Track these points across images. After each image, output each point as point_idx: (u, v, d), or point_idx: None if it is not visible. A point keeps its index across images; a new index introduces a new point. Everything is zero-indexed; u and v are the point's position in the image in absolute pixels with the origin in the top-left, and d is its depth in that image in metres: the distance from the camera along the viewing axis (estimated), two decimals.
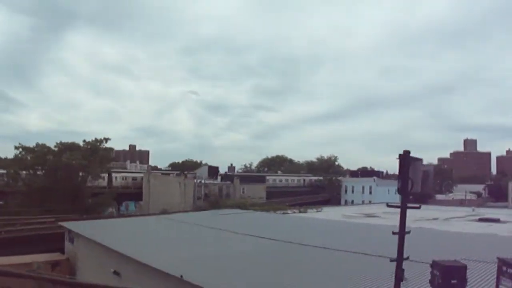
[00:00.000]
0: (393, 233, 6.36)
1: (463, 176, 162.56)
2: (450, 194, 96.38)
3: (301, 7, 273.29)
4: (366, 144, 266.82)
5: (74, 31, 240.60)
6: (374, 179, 76.79)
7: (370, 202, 61.65)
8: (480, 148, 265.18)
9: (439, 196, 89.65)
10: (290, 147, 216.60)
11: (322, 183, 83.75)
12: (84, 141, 43.45)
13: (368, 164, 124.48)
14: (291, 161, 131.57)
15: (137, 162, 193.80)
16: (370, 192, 73.44)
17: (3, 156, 59.61)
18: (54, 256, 23.54)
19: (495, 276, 10.89)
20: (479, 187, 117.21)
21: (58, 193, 39.31)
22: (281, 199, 63.45)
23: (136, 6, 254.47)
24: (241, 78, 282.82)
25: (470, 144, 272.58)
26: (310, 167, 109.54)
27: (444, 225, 30.56)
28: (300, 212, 36.54)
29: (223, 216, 27.83)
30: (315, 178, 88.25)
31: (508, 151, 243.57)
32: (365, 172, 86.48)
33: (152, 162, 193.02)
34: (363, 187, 75.62)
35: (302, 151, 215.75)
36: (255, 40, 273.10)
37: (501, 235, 23.00)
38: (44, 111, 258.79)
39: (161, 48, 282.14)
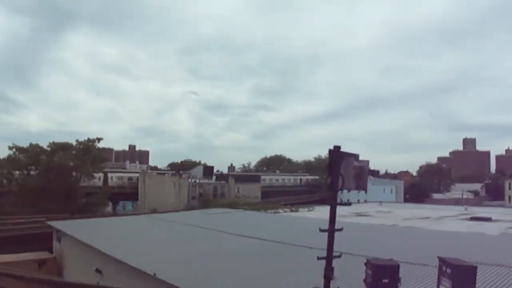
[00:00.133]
0: (321, 230, 6.32)
1: (462, 175, 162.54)
2: (447, 193, 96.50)
3: (301, 7, 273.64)
4: (366, 144, 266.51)
5: (74, 31, 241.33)
6: (369, 178, 76.47)
7: (365, 201, 61.59)
8: (480, 147, 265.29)
9: (436, 195, 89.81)
10: (290, 147, 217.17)
11: (318, 182, 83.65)
12: (76, 141, 43.65)
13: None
14: (289, 160, 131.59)
15: (137, 162, 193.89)
16: (366, 191, 72.77)
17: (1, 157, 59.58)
18: (41, 255, 23.73)
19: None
20: (477, 186, 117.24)
21: (51, 193, 39.38)
22: (276, 198, 63.51)
23: (136, 6, 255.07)
24: (241, 78, 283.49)
25: (469, 143, 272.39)
26: (308, 167, 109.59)
27: (434, 224, 30.57)
28: (291, 211, 36.60)
29: (212, 216, 27.90)
30: (312, 177, 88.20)
31: (507, 150, 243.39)
32: None
33: (152, 162, 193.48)
34: None
35: (302, 151, 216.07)
36: (255, 40, 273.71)
37: (489, 234, 23.02)
38: (44, 111, 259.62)
39: (161, 48, 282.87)
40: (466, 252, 14.86)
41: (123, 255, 15.38)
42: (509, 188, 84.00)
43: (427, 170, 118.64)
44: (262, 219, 28.23)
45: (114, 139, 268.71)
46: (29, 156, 41.57)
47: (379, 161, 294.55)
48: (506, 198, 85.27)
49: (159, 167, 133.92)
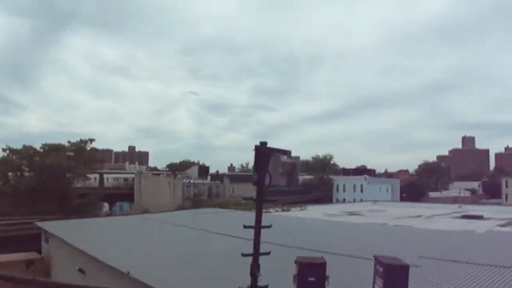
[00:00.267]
0: (245, 226, 6.36)
1: (462, 173, 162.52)
2: (445, 192, 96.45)
3: (301, 7, 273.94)
4: (366, 143, 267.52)
5: (74, 32, 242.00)
6: (365, 177, 76.82)
7: (361, 200, 61.79)
8: (480, 145, 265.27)
9: (433, 194, 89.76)
10: (290, 146, 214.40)
11: (313, 182, 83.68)
12: (69, 142, 43.79)
13: (367, 163, 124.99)
14: None
15: (136, 163, 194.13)
16: (362, 191, 73.55)
17: None
18: (29, 255, 23.98)
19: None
20: (476, 185, 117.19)
21: (44, 194, 39.49)
22: (271, 197, 63.37)
23: (136, 6, 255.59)
24: (241, 78, 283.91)
25: (468, 141, 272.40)
26: (306, 166, 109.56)
27: (425, 222, 30.57)
28: (283, 210, 36.63)
29: (202, 215, 27.99)
30: (309, 177, 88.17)
31: (506, 148, 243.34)
32: (356, 171, 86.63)
33: (151, 163, 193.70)
34: (354, 186, 75.73)
35: (302, 150, 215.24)
36: (255, 40, 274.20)
37: (476, 232, 23.05)
38: (44, 112, 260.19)
39: (161, 48, 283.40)
40: (442, 250, 14.96)
41: (103, 255, 15.49)
42: (506, 186, 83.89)
43: (425, 169, 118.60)
44: (251, 219, 28.28)
45: (114, 140, 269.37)
46: (22, 157, 41.73)
47: (379, 160, 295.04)
48: (503, 196, 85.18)
49: (158, 168, 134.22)
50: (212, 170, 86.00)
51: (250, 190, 54.07)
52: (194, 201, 44.96)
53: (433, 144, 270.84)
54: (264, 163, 5.53)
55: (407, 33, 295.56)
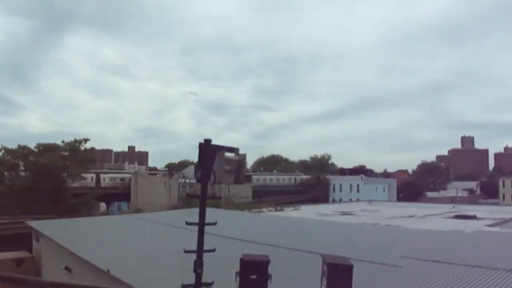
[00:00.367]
0: (187, 223, 6.47)
1: (461, 173, 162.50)
2: (443, 192, 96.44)
3: (301, 7, 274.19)
4: (366, 143, 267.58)
5: (74, 32, 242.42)
6: (361, 177, 76.87)
7: (357, 200, 61.82)
8: (480, 145, 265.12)
9: (430, 194, 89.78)
10: (290, 147, 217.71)
11: (310, 181, 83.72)
12: (62, 141, 43.91)
13: (367, 163, 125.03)
14: (286, 160, 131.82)
15: (136, 163, 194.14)
16: (358, 190, 73.59)
17: None
18: (20, 254, 24.23)
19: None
20: (474, 185, 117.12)
21: (38, 194, 39.62)
22: (268, 198, 63.65)
23: (136, 6, 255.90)
24: (241, 78, 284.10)
25: (467, 141, 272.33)
26: (304, 166, 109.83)
27: (416, 222, 30.63)
28: (276, 210, 36.73)
29: (192, 215, 28.05)
30: (307, 177, 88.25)
31: (506, 148, 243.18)
32: (353, 171, 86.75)
33: (151, 163, 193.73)
34: (350, 185, 75.80)
35: (302, 150, 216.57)
36: (255, 40, 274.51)
37: (465, 232, 23.11)
38: (44, 112, 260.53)
39: (161, 48, 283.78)
40: (426, 250, 15.02)
41: (88, 253, 15.62)
42: (503, 186, 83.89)
43: (423, 169, 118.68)
44: (238, 218, 28.43)
45: (114, 140, 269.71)
46: (16, 157, 41.88)
47: (379, 160, 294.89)
48: (500, 196, 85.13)
49: (158, 168, 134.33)
50: None
51: (246, 190, 54.29)
52: (187, 201, 45.04)
53: (433, 144, 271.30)
54: (209, 161, 5.60)
55: (407, 33, 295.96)
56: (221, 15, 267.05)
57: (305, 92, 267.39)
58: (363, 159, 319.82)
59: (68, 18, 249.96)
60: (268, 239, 16.56)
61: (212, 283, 5.93)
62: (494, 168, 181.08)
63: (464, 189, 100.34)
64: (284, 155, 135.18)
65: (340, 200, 69.69)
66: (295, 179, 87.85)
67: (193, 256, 16.69)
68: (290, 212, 35.28)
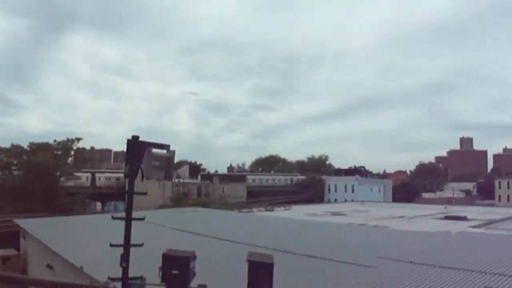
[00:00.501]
0: (113, 217, 6.50)
1: (459, 174, 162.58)
2: (439, 193, 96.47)
3: (301, 7, 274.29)
4: (366, 143, 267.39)
5: (74, 32, 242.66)
6: (356, 178, 76.96)
7: (352, 201, 61.90)
8: (479, 146, 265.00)
9: (426, 195, 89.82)
10: (290, 147, 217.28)
11: (306, 182, 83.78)
12: (55, 141, 44.08)
13: (367, 163, 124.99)
14: (284, 161, 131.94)
15: None
16: (353, 191, 73.63)
17: None
18: (7, 252, 24.63)
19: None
20: (472, 186, 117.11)
21: (31, 193, 39.76)
22: (264, 198, 63.76)
23: (136, 6, 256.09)
24: (241, 78, 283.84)
25: (466, 142, 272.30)
26: (301, 166, 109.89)
27: (404, 223, 30.74)
28: (267, 210, 36.83)
29: (177, 214, 28.31)
30: (303, 177, 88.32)
31: (504, 149, 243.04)
32: (348, 171, 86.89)
33: None
34: (345, 186, 75.89)
35: (302, 150, 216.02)
36: (255, 40, 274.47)
37: (452, 233, 23.21)
38: (44, 112, 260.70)
39: (160, 48, 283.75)
40: (405, 251, 15.10)
41: (67, 251, 15.80)
42: (499, 188, 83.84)
43: (421, 170, 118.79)
44: (225, 218, 28.56)
45: (114, 139, 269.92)
46: (10, 156, 42.04)
47: (379, 160, 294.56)
48: (496, 197, 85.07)
49: None
50: (211, 171, 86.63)
51: (240, 190, 54.61)
52: (175, 200, 45.28)
53: (432, 145, 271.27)
54: (137, 157, 5.70)
55: (407, 33, 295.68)
56: (221, 15, 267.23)
57: (305, 92, 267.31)
58: (363, 160, 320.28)
59: (68, 18, 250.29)
60: (241, 238, 16.70)
61: (140, 277, 6.06)
62: (492, 169, 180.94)
63: (461, 190, 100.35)
64: (284, 155, 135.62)
65: (335, 200, 69.79)
66: (291, 180, 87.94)
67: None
68: (280, 213, 35.38)
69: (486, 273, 10.62)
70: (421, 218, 35.20)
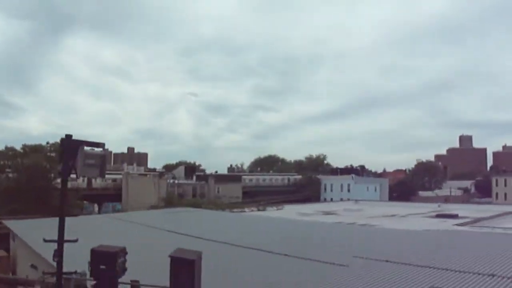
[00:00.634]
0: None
1: (459, 172, 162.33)
2: (437, 191, 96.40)
3: (301, 7, 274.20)
4: (366, 143, 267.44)
5: (73, 34, 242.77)
6: (352, 177, 77.02)
7: (348, 200, 61.99)
8: (479, 144, 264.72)
9: (424, 193, 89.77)
10: (290, 146, 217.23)
11: (302, 181, 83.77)
12: (47, 143, 44.24)
13: (367, 163, 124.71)
14: (283, 160, 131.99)
15: (134, 164, 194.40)
16: (349, 190, 73.69)
17: None
18: None
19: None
20: (470, 183, 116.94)
21: (25, 195, 39.94)
22: (259, 198, 63.78)
23: (135, 7, 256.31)
24: (241, 78, 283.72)
25: (465, 140, 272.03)
26: (299, 166, 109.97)
27: (394, 222, 30.82)
28: (258, 210, 36.95)
29: (167, 215, 28.42)
30: (299, 177, 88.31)
31: (504, 147, 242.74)
32: (344, 170, 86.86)
33: (151, 164, 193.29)
34: (341, 185, 75.98)
35: (302, 150, 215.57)
36: (254, 40, 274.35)
37: (442, 230, 23.27)
38: (43, 114, 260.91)
39: (160, 49, 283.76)
40: (383, 249, 15.18)
41: (48, 252, 15.94)
42: (496, 185, 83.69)
43: (419, 168, 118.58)
44: (217, 219, 28.67)
45: (114, 141, 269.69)
46: (3, 158, 42.26)
47: (379, 160, 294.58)
48: (494, 195, 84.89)
49: (157, 169, 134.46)
50: (212, 171, 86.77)
51: (235, 191, 54.70)
52: (167, 201, 45.41)
53: (432, 144, 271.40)
54: (70, 155, 5.85)
55: (407, 33, 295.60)
56: (221, 15, 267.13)
57: (305, 92, 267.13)
58: (363, 159, 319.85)
59: (68, 20, 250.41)
60: (225, 238, 16.81)
61: (75, 272, 6.24)
62: (491, 167, 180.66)
63: (459, 188, 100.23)
64: (284, 155, 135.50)
65: (331, 199, 69.86)
66: (288, 179, 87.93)
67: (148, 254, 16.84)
68: (271, 212, 35.50)
69: (457, 271, 10.50)
70: (412, 217, 35.29)
